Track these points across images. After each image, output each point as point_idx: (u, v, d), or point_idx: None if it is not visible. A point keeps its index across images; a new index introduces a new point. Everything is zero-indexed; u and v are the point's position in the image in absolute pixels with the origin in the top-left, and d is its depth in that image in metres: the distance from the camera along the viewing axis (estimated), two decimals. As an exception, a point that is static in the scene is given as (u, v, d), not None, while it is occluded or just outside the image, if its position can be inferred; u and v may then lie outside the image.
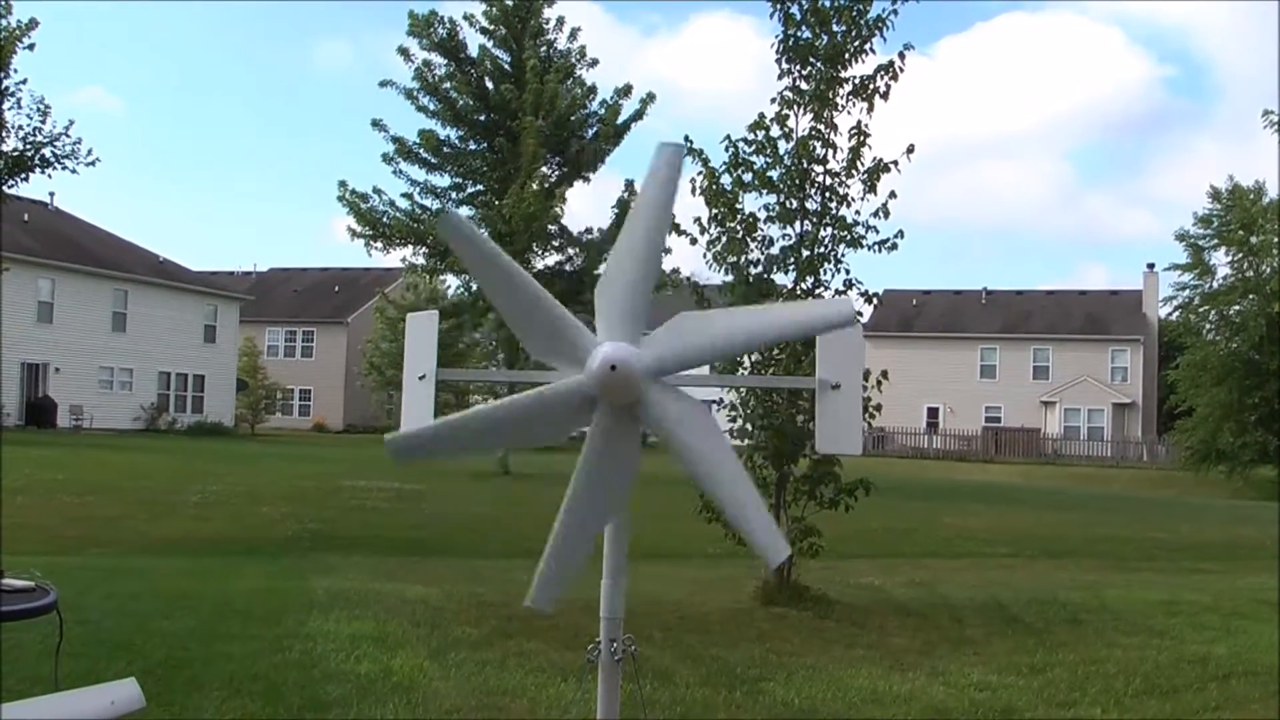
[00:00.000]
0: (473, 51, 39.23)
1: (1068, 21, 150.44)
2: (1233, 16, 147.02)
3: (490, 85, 38.92)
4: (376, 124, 38.27)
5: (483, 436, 4.26)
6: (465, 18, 39.22)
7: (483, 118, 39.02)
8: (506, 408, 4.16)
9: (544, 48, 39.12)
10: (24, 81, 37.72)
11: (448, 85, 38.77)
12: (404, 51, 38.43)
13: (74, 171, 38.76)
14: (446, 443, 4.25)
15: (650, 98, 39.39)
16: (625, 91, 39.37)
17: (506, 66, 39.02)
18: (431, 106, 38.76)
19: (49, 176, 39.20)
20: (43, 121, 37.97)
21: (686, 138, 13.54)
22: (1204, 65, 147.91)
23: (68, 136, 38.35)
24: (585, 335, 4.10)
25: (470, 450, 4.56)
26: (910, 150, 13.40)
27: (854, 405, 5.09)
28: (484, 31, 39.32)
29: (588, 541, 4.18)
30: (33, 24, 36.76)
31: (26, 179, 39.13)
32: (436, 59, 38.84)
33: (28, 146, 37.83)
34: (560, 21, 39.94)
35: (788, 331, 5.38)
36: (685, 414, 4.16)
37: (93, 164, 38.98)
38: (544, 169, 38.51)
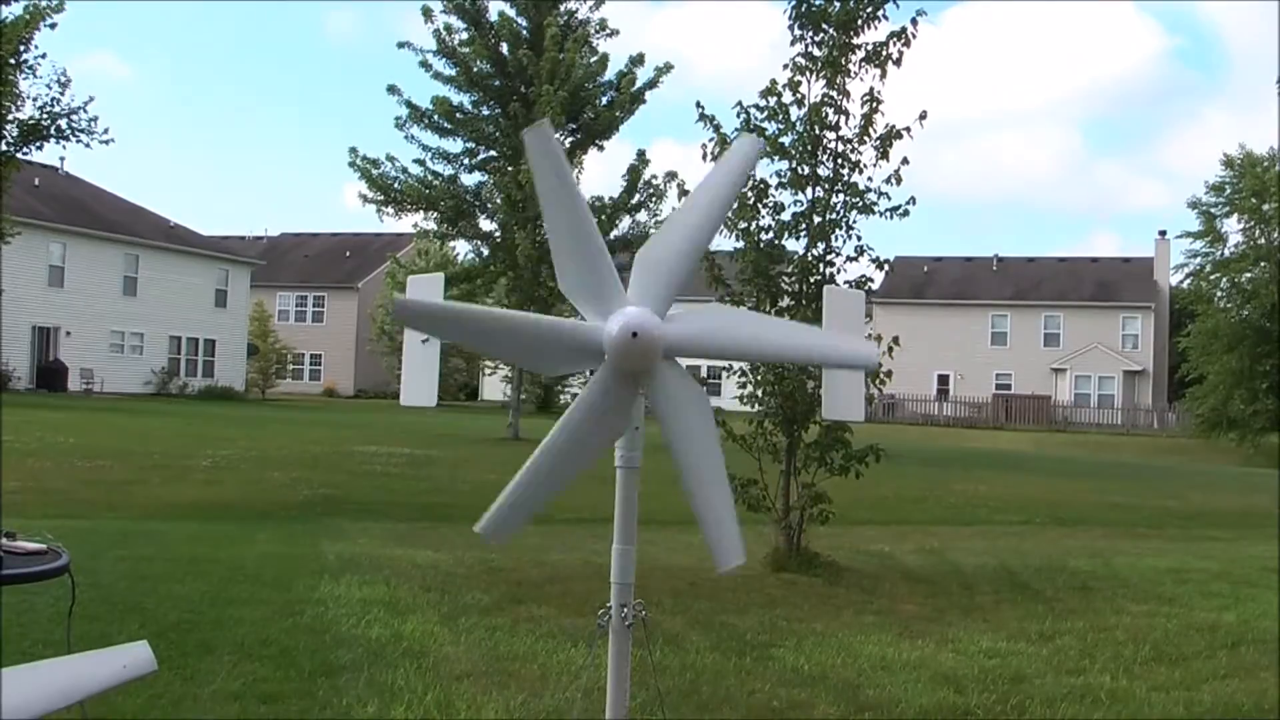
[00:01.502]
0: (492, 16, 39.20)
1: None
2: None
3: (507, 51, 38.87)
4: (392, 89, 38.31)
5: (488, 335, 4.28)
6: None
7: (498, 83, 39.00)
8: (519, 319, 4.18)
9: (564, 16, 39.06)
10: (44, 55, 37.79)
11: (465, 50, 38.74)
12: (426, 12, 38.44)
13: (88, 146, 38.89)
14: (453, 324, 4.26)
15: (667, 67, 39.39)
16: (639, 60, 39.36)
17: (524, 33, 38.95)
18: (447, 71, 38.78)
19: (63, 147, 39.32)
20: (61, 93, 38.03)
21: (698, 104, 13.51)
22: (1212, 35, 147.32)
23: (85, 111, 38.43)
24: (617, 289, 4.11)
25: (472, 343, 4.58)
26: (923, 116, 13.35)
27: (857, 374, 5.14)
28: (505, -2, 39.33)
29: (553, 489, 4.19)
30: (60, 6, 36.70)
31: (41, 147, 39.23)
32: (456, 23, 38.84)
33: (44, 115, 37.87)
34: None
35: (811, 358, 5.38)
36: (687, 398, 4.19)
37: (107, 143, 39.09)
38: (558, 135, 38.46)
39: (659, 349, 4.05)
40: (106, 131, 38.83)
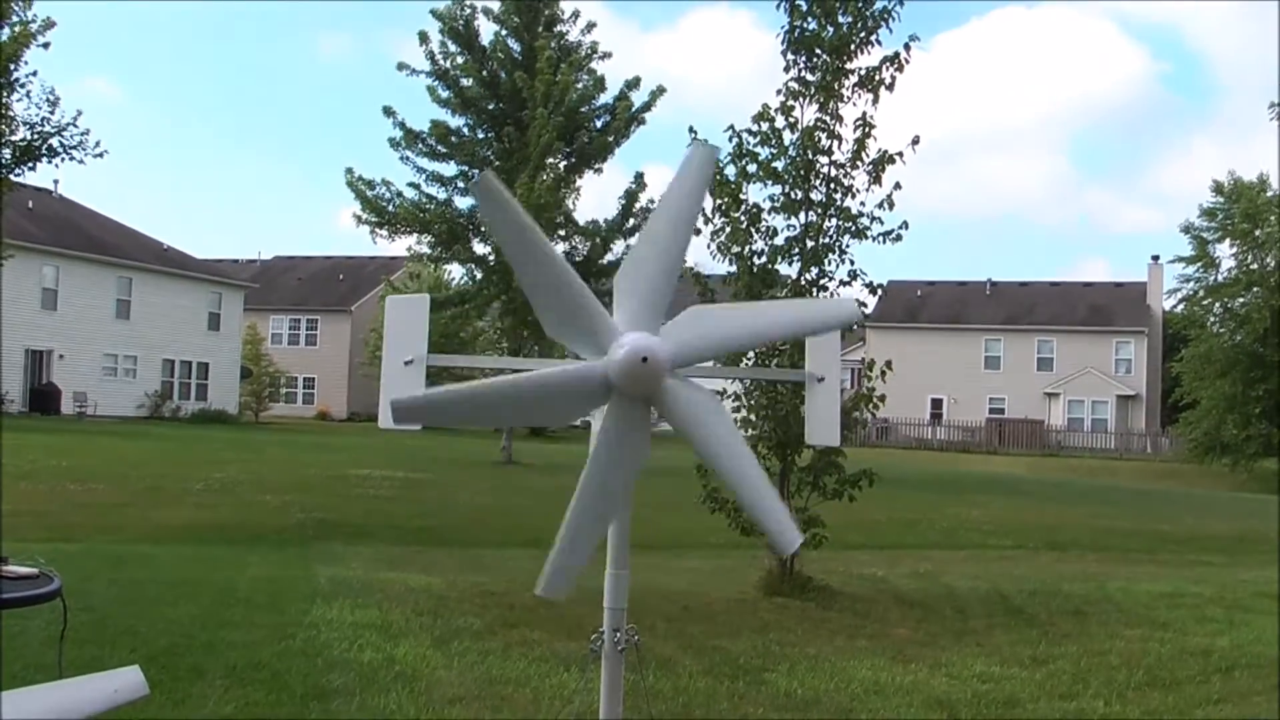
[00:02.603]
0: (485, 41, 39.35)
1: (1063, 17, 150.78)
2: (1224, 13, 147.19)
3: (502, 74, 38.99)
4: (388, 111, 38.43)
5: (490, 409, 4.27)
6: (484, 12, 39.39)
7: (491, 106, 39.10)
8: (518, 384, 4.17)
9: (555, 40, 39.17)
10: (34, 73, 37.80)
11: (459, 73, 38.85)
12: (423, 36, 38.57)
13: (81, 162, 38.93)
14: (452, 410, 4.24)
15: (660, 90, 39.55)
16: (634, 84, 39.49)
17: (518, 56, 39.06)
18: (443, 94, 38.88)
19: (56, 166, 39.33)
20: (51, 112, 38.06)
21: (691, 129, 13.55)
22: (1198, 61, 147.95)
23: (75, 127, 38.46)
24: (607, 321, 4.10)
25: (474, 422, 4.57)
26: (916, 142, 13.41)
27: (833, 398, 5.21)
28: (498, 20, 39.40)
29: (600, 529, 4.19)
30: (50, 23, 36.75)
31: (34, 168, 39.22)
32: (450, 45, 38.94)
33: (35, 136, 37.89)
34: (576, 15, 40.13)
35: (793, 330, 5.40)
36: (702, 405, 4.21)
37: (100, 155, 39.12)
38: (551, 159, 38.57)
39: (666, 368, 4.06)
40: (98, 145, 38.92)
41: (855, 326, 13.85)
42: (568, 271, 4.09)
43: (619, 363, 4.01)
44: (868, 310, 14.44)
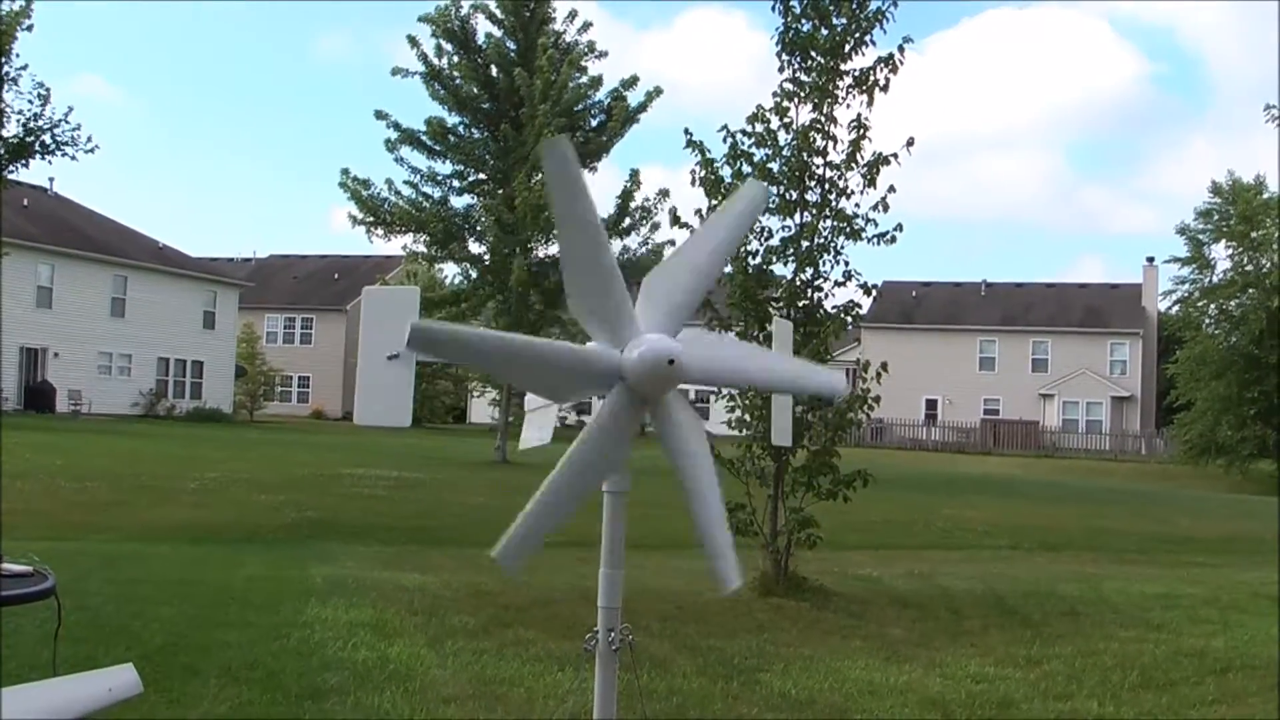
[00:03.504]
0: (479, 40, 39.32)
1: (1056, 18, 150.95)
2: (1217, 14, 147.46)
3: (496, 73, 38.99)
4: (380, 115, 38.39)
5: (502, 361, 4.27)
6: (480, 9, 39.33)
7: (487, 105, 39.10)
8: (532, 345, 4.18)
9: (552, 39, 39.13)
10: (25, 67, 37.78)
11: (454, 73, 38.84)
12: (413, 40, 38.60)
13: (74, 158, 38.89)
14: (467, 348, 4.24)
15: (657, 91, 39.53)
16: (630, 83, 39.47)
17: (513, 55, 39.04)
18: (440, 93, 38.86)
19: (49, 163, 39.30)
20: (42, 108, 38.05)
21: (686, 130, 13.58)
22: (1193, 63, 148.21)
23: (67, 123, 38.44)
24: (630, 315, 4.11)
25: (482, 366, 4.58)
26: (910, 143, 13.43)
27: (787, 404, 5.37)
28: (493, 19, 39.39)
29: (569, 510, 4.18)
30: (26, 12, 36.77)
31: (27, 165, 39.18)
32: (444, 45, 38.94)
33: (28, 133, 37.87)
34: (572, 15, 40.11)
35: (795, 386, 5.43)
36: (690, 424, 4.25)
37: (91, 151, 39.09)
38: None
39: (682, 378, 4.10)
40: (90, 140, 38.91)
41: (845, 323, 13.94)
42: (609, 254, 4.11)
43: (642, 359, 4.02)
44: (862, 311, 14.44)
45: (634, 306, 4.18)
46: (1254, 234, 60.66)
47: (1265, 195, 60.80)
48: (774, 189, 13.54)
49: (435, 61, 38.81)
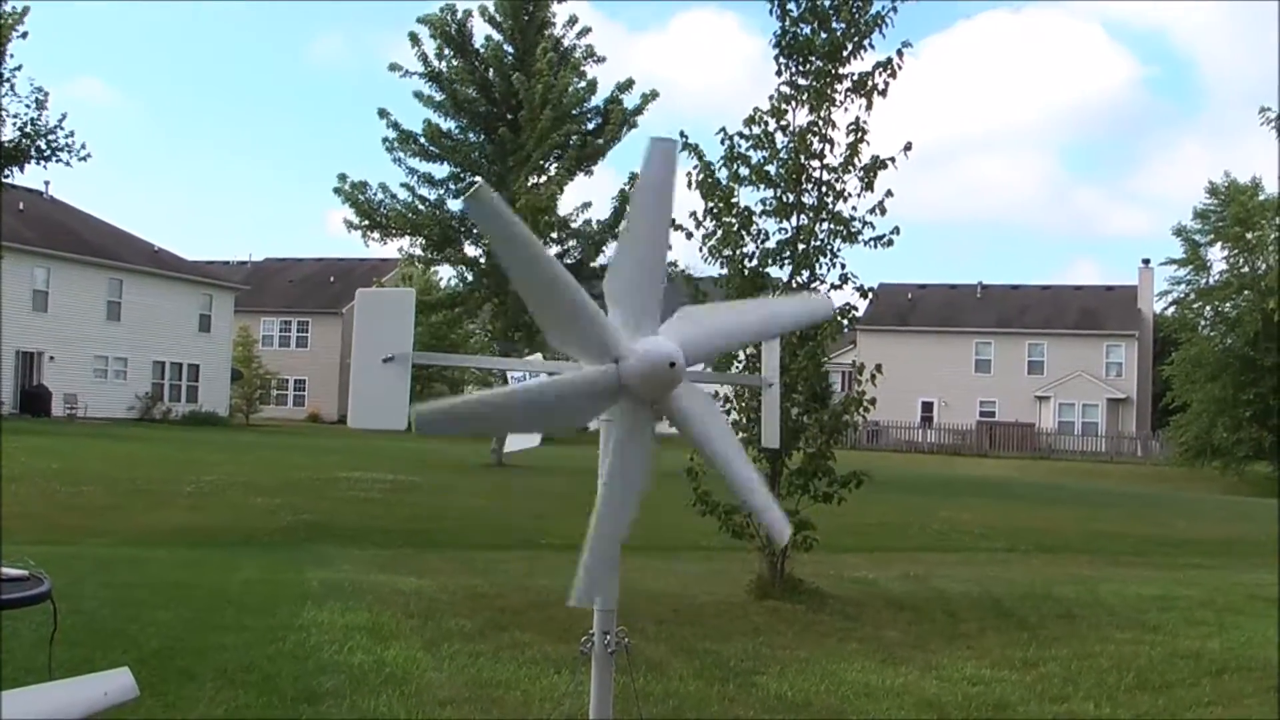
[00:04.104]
0: (477, 43, 39.32)
1: (1050, 21, 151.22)
2: (1210, 17, 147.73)
3: (494, 77, 38.99)
4: (383, 113, 38.39)
5: (511, 417, 4.27)
6: (480, 12, 39.34)
7: (483, 109, 39.09)
8: (538, 390, 4.18)
9: (551, 43, 39.13)
10: (19, 68, 37.81)
11: (452, 76, 38.82)
12: (414, 38, 38.56)
13: (68, 164, 38.93)
14: (475, 418, 4.24)
15: (653, 95, 39.54)
16: (626, 86, 39.49)
17: (511, 59, 39.05)
18: (436, 96, 38.86)
19: (44, 167, 39.34)
20: (38, 114, 38.07)
21: (682, 133, 13.60)
22: (1186, 66, 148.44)
23: (61, 129, 38.49)
24: (610, 328, 4.10)
25: (495, 430, 4.61)
26: (908, 148, 13.42)
27: (774, 403, 5.41)
28: (492, 23, 39.39)
29: (624, 531, 4.20)
30: (25, 11, 36.85)
31: (23, 169, 39.20)
32: (443, 48, 38.93)
33: (24, 137, 37.89)
34: (573, 20, 40.11)
35: (785, 326, 5.45)
36: (703, 407, 4.27)
37: (85, 159, 39.15)
38: (543, 162, 38.56)
39: (683, 375, 4.11)
40: (84, 147, 38.99)
41: (841, 325, 13.94)
42: (568, 281, 4.06)
43: (642, 367, 4.02)
44: (858, 313, 14.45)
45: (609, 316, 4.18)
46: (1249, 235, 60.69)
47: (1261, 197, 60.80)
48: (771, 192, 13.56)
49: (435, 64, 38.81)
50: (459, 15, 39.14)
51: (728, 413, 13.16)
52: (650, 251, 4.29)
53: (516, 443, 5.89)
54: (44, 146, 38.22)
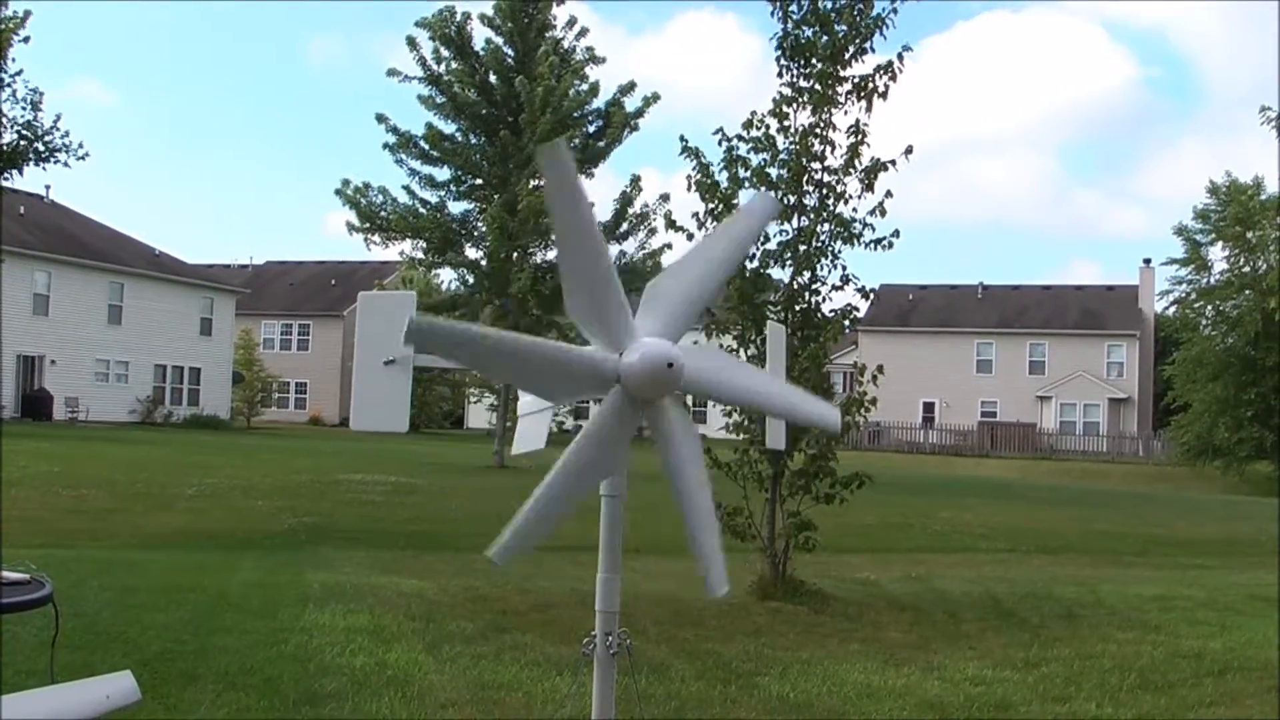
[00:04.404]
0: (477, 46, 39.30)
1: (1049, 22, 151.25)
2: (1209, 17, 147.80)
3: (495, 79, 38.97)
4: (381, 118, 38.37)
5: (500, 360, 4.24)
6: (480, 17, 39.34)
7: (484, 111, 39.07)
8: (535, 345, 4.17)
9: (552, 46, 39.10)
10: (20, 73, 37.85)
11: (452, 79, 38.80)
12: (412, 42, 38.55)
13: (66, 165, 38.97)
14: (465, 344, 4.22)
15: (655, 97, 39.53)
16: (628, 89, 39.48)
17: (511, 61, 39.03)
18: (436, 99, 38.83)
19: (43, 169, 39.37)
20: (34, 116, 38.12)
21: (681, 138, 13.60)
22: (1185, 66, 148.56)
23: (57, 129, 38.54)
24: (629, 320, 4.10)
25: (478, 365, 4.55)
26: (909, 151, 13.43)
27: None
28: (492, 26, 39.35)
29: (566, 509, 4.17)
30: (27, 16, 36.92)
31: (21, 172, 39.22)
32: (443, 51, 38.90)
33: (21, 140, 37.93)
34: (572, 22, 40.09)
35: (741, 238, 5.33)
36: (684, 430, 4.25)
37: (83, 158, 39.20)
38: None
39: (680, 381, 4.09)
40: (81, 146, 39.04)
41: (843, 326, 13.94)
42: (607, 259, 4.08)
43: (641, 361, 4.01)
44: (859, 314, 14.46)
45: (633, 313, 4.18)
46: (1250, 235, 60.67)
47: (1262, 196, 60.76)
48: (772, 194, 13.56)
49: (434, 67, 38.77)
50: (458, 18, 39.13)
51: (729, 413, 13.18)
52: (704, 282, 4.31)
53: (523, 445, 5.86)
54: (41, 148, 38.26)
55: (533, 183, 36.76)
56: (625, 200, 38.78)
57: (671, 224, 14.00)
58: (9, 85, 37.31)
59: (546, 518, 4.11)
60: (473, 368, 4.63)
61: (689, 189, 13.48)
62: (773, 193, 13.49)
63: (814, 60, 13.53)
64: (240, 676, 8.22)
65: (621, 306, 4.09)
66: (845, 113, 13.55)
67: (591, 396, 4.23)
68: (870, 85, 13.50)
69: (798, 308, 13.46)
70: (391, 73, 39.10)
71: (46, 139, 38.33)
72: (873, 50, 13.64)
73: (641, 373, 4.02)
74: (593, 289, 4.09)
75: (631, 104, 39.38)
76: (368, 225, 38.42)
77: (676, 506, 4.28)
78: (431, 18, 38.72)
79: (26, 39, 37.10)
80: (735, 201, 13.53)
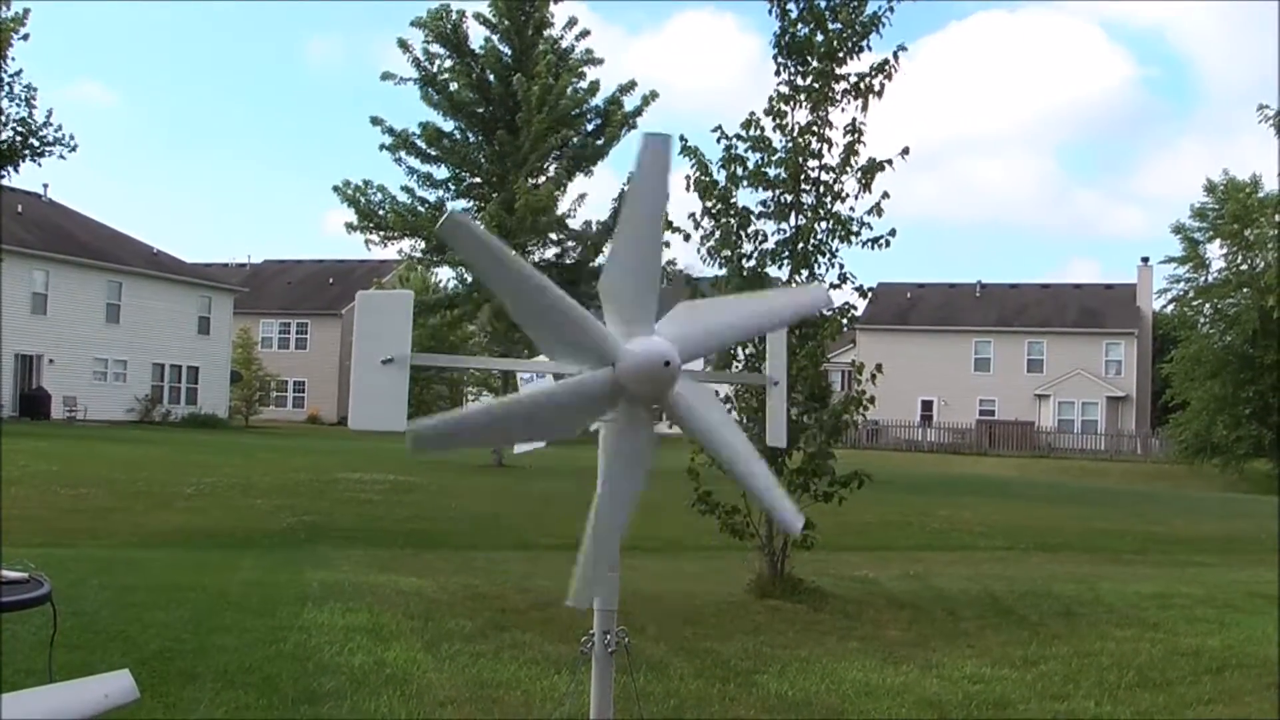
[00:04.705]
0: (474, 44, 39.28)
1: (1046, 22, 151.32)
2: (1207, 17, 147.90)
3: (492, 78, 38.95)
4: (376, 121, 38.34)
5: (509, 428, 4.25)
6: (475, 16, 39.31)
7: (482, 110, 39.05)
8: (533, 400, 4.16)
9: (549, 45, 39.08)
10: (19, 72, 37.90)
11: (447, 77, 38.78)
12: (403, 44, 38.54)
13: (62, 158, 39.12)
14: (472, 432, 4.22)
15: (653, 96, 39.51)
16: (627, 88, 39.46)
17: (509, 60, 39.01)
18: (434, 98, 38.80)
19: (39, 165, 39.42)
20: (29, 112, 38.20)
21: (681, 137, 13.62)
22: (1182, 65, 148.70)
23: (50, 124, 38.65)
24: (604, 333, 4.09)
25: (495, 442, 4.59)
26: (905, 153, 13.42)
27: (781, 403, 5.40)
28: (488, 25, 39.31)
29: (621, 532, 4.19)
30: (26, 14, 36.97)
31: (17, 169, 39.25)
32: (436, 49, 38.89)
33: (17, 135, 37.98)
34: (572, 22, 40.07)
35: (784, 318, 5.41)
36: (704, 402, 4.25)
37: (73, 149, 39.33)
38: (541, 164, 38.54)
39: (680, 367, 4.09)
40: (72, 138, 39.17)
41: (841, 324, 13.94)
42: (555, 292, 4.04)
43: (638, 368, 4.00)
44: (857, 313, 14.47)
45: (602, 319, 4.18)
46: (1248, 233, 60.65)
47: (1261, 194, 60.75)
48: (769, 193, 13.57)
49: (429, 67, 38.74)
50: (453, 16, 39.07)
51: (728, 412, 13.17)
52: (644, 249, 4.27)
53: (524, 444, 5.88)
54: (37, 144, 38.33)
55: (530, 181, 36.74)
56: (623, 199, 38.73)
57: (668, 225, 13.99)
58: (7, 84, 37.35)
59: (607, 550, 4.15)
60: (491, 444, 4.65)
61: (688, 189, 13.48)
62: (767, 191, 13.50)
63: (811, 59, 13.53)
64: (239, 675, 8.22)
65: (590, 327, 4.07)
66: (842, 110, 13.57)
67: (606, 413, 4.22)
68: (867, 84, 13.50)
69: (795, 306, 13.44)
70: (386, 76, 39.10)
71: (41, 135, 38.39)
72: (869, 49, 13.67)
73: (641, 380, 4.02)
74: (555, 328, 4.09)
75: (630, 103, 39.41)
76: (366, 224, 38.40)
77: (730, 473, 4.38)
78: (426, 16, 38.69)
79: (26, 36, 37.15)
80: (733, 200, 13.55)
